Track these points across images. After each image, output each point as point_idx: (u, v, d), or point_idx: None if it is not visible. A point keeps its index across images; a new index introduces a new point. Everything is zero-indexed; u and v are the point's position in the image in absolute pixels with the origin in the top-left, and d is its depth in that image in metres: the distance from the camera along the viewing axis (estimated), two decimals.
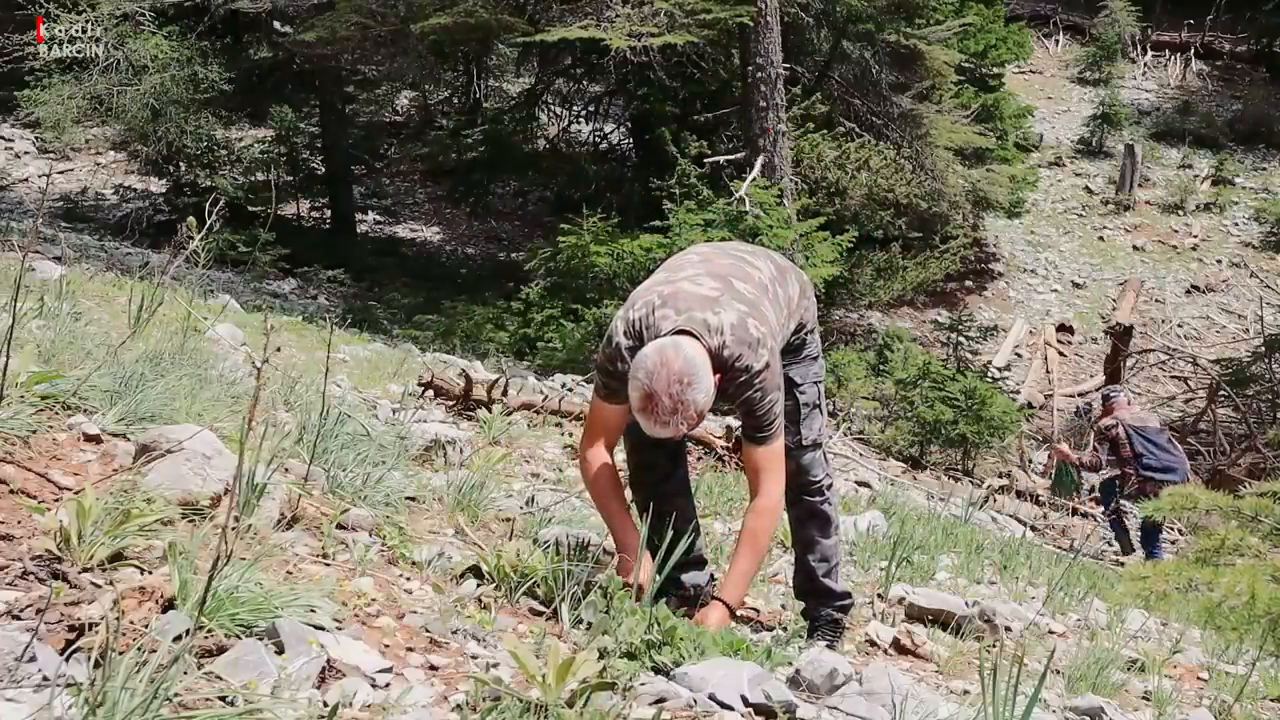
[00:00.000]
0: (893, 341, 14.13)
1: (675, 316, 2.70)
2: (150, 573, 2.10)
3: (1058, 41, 28.04)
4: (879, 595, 3.82)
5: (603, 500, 2.87)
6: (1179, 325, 18.25)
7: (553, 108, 17.88)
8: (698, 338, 2.66)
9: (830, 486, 3.16)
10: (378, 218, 19.01)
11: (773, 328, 2.82)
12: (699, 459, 6.88)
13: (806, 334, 3.14)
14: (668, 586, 2.82)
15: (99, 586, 2.01)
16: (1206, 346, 17.41)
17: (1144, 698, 3.42)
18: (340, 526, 2.73)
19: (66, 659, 1.70)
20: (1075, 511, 10.19)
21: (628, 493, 3.02)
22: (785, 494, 3.03)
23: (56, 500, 2.34)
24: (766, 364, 2.72)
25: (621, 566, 2.73)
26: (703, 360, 2.60)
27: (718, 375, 2.66)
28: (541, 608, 2.65)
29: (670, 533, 2.74)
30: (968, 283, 18.74)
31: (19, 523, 2.20)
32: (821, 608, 3.13)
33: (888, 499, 6.84)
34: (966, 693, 2.95)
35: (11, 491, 2.33)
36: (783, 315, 2.94)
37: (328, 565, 2.52)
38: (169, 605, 1.96)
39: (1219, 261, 19.85)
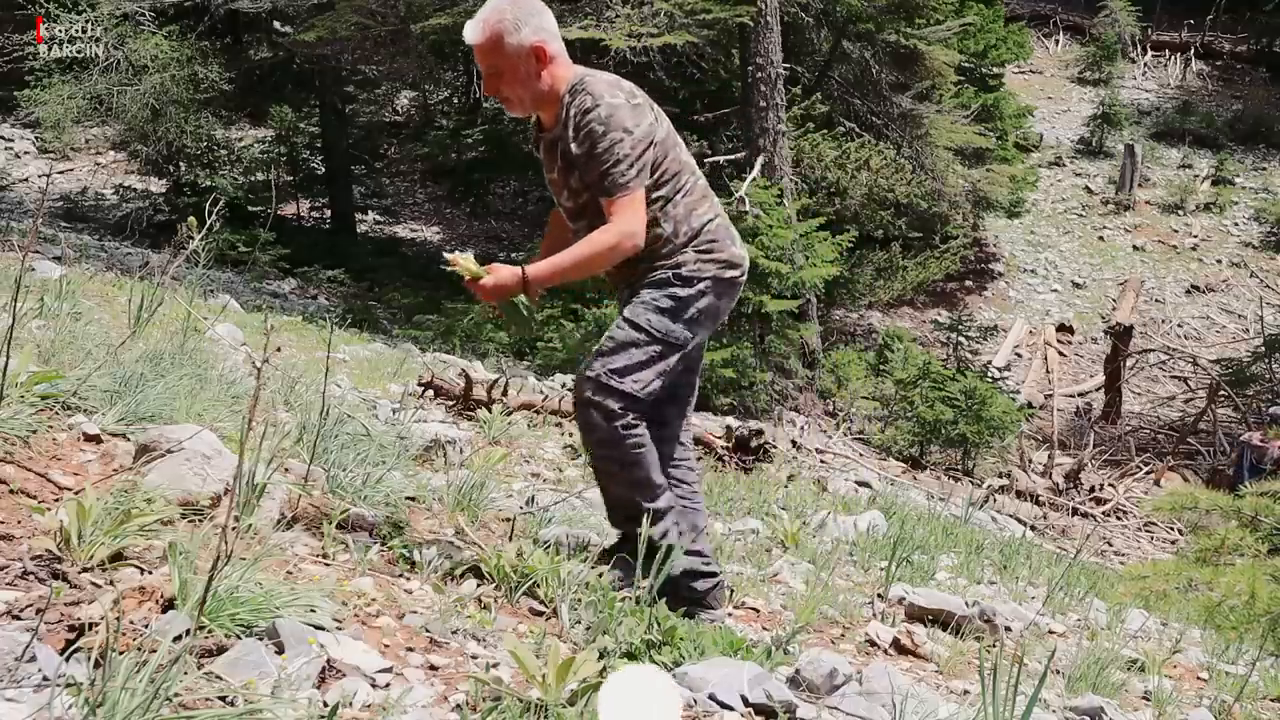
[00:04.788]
0: (893, 341, 14.14)
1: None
2: (150, 573, 2.10)
3: (1058, 41, 28.06)
4: (879, 595, 3.82)
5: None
6: (1179, 325, 18.25)
7: None
8: (576, 67, 2.78)
9: (613, 440, 2.71)
10: (378, 218, 19.01)
11: (650, 124, 2.73)
12: (698, 459, 6.88)
13: (674, 275, 2.79)
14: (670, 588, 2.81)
15: (99, 586, 2.01)
16: (1206, 346, 17.42)
17: (1144, 698, 3.42)
18: (340, 526, 2.73)
19: (66, 659, 1.70)
20: (1075, 511, 10.20)
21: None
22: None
23: (56, 500, 2.35)
24: (619, 104, 2.70)
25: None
26: (550, 23, 2.74)
27: (567, 97, 2.71)
28: (541, 608, 2.65)
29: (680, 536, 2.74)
30: (968, 283, 18.74)
31: (19, 523, 2.20)
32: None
33: (888, 499, 6.84)
34: (966, 693, 2.95)
35: (11, 491, 2.33)
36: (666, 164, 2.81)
37: (328, 565, 2.52)
38: (169, 605, 1.96)
39: (1219, 261, 19.86)
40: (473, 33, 2.71)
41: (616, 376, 2.70)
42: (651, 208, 2.76)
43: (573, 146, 2.71)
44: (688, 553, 2.83)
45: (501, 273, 2.69)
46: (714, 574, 2.95)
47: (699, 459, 6.84)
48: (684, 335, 2.78)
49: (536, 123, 2.87)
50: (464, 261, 2.69)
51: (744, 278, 2.94)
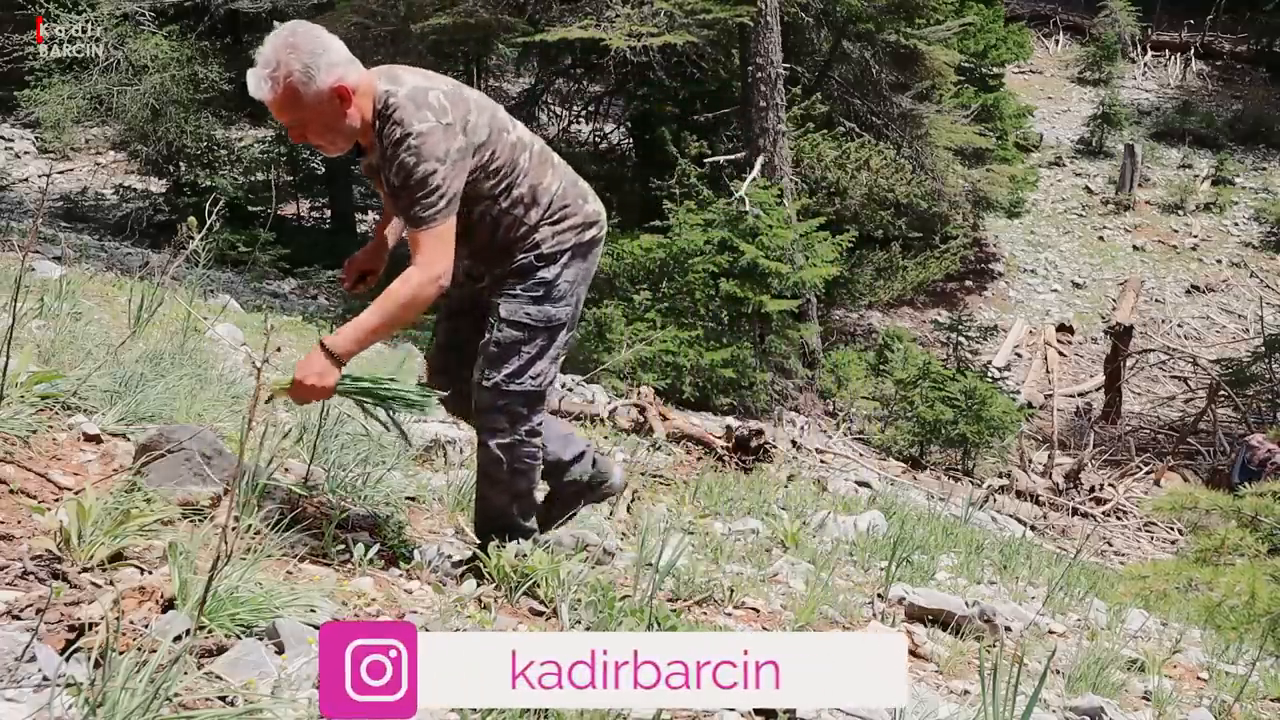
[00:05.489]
0: (893, 341, 14.12)
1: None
2: (150, 573, 2.11)
3: (1058, 41, 28.05)
4: (879, 595, 3.82)
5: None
6: (1179, 325, 18.25)
7: (553, 108, 17.87)
8: (377, 81, 2.57)
9: (512, 445, 2.75)
10: (378, 218, 19.00)
11: (477, 130, 2.62)
12: (698, 459, 6.88)
13: (535, 257, 2.75)
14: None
15: (99, 586, 2.01)
16: (1206, 346, 17.42)
17: (1144, 698, 3.42)
18: (340, 526, 2.73)
19: (66, 659, 1.70)
20: (1075, 511, 10.21)
21: None
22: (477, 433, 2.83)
23: (56, 500, 2.35)
24: (429, 129, 2.51)
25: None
26: (338, 53, 2.51)
27: (377, 122, 2.55)
28: (541, 608, 2.65)
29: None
30: (968, 283, 18.74)
31: (19, 523, 2.20)
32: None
33: (888, 499, 6.84)
34: (966, 693, 2.95)
35: (11, 491, 2.33)
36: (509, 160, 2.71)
37: (328, 565, 2.52)
38: (169, 605, 1.97)
39: (1219, 261, 19.86)
40: (259, 90, 2.45)
41: (515, 380, 2.72)
42: (500, 201, 2.70)
43: (391, 178, 2.58)
44: (569, 462, 3.04)
45: (303, 367, 2.50)
46: (582, 453, 3.07)
47: (698, 459, 6.84)
48: (565, 312, 2.78)
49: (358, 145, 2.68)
50: (267, 388, 2.50)
51: (604, 231, 2.91)
